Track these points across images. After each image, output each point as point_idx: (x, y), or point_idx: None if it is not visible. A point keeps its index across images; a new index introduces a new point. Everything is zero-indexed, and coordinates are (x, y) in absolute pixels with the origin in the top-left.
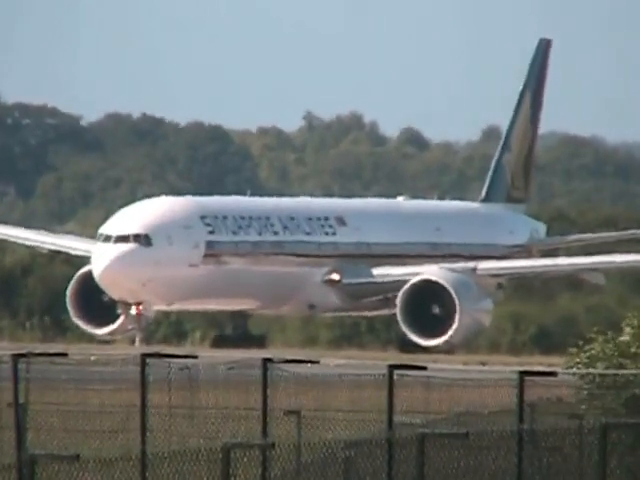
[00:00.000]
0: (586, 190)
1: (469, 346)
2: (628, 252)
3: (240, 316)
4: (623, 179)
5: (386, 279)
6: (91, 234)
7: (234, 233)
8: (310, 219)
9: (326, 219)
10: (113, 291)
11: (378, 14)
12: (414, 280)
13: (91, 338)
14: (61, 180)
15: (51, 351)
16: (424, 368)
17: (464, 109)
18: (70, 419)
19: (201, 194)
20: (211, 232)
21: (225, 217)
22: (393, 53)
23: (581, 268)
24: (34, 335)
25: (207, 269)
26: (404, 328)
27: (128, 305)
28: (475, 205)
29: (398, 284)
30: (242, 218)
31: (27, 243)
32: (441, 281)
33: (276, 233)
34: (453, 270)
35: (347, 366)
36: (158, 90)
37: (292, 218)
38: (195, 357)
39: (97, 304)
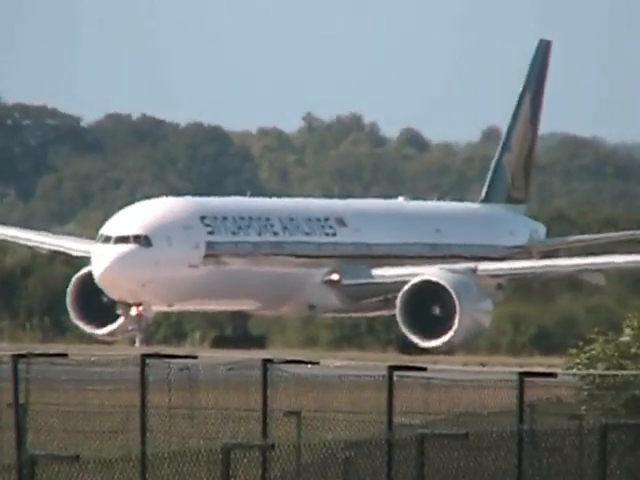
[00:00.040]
0: (586, 191)
1: (469, 347)
2: (628, 253)
3: (240, 317)
4: (623, 180)
5: (386, 280)
6: (91, 235)
7: (234, 234)
8: (310, 220)
9: (326, 220)
10: (113, 292)
11: (378, 15)
12: (414, 281)
13: (91, 339)
14: (61, 181)
15: (51, 352)
16: (424, 369)
17: (464, 110)
18: (70, 419)
19: (201, 195)
20: (211, 233)
21: (225, 218)
22: (393, 54)
23: (581, 269)
24: (34, 336)
25: (207, 270)
26: (404, 329)
27: (128, 306)
28: (475, 206)
29: (398, 285)
30: (242, 219)
31: (27, 244)
32: (441, 282)
33: (276, 234)
34: (453, 271)
35: (347, 367)
36: (158, 91)
37: (292, 219)
38: (195, 358)
39: (97, 305)
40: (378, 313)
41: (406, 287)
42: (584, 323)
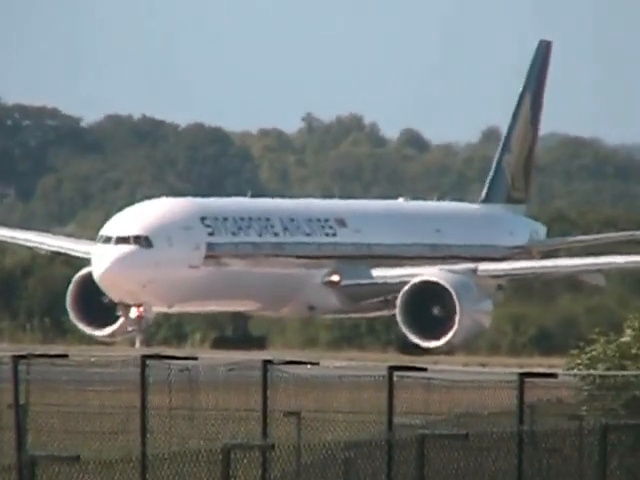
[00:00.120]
0: (586, 191)
1: (469, 347)
2: (628, 253)
3: (240, 317)
4: (623, 180)
5: (386, 280)
6: (91, 235)
7: (234, 234)
8: (310, 220)
9: (326, 220)
10: (113, 292)
11: (378, 15)
12: (414, 281)
13: (91, 340)
14: (61, 181)
15: (51, 352)
16: (424, 369)
17: (464, 110)
18: (70, 420)
19: (201, 196)
20: (211, 233)
21: (225, 218)
22: (393, 54)
23: (581, 269)
24: (34, 336)
25: (207, 271)
26: (404, 329)
27: (128, 307)
28: (475, 206)
29: (398, 285)
30: (242, 219)
31: (27, 244)
32: (441, 282)
33: (276, 234)
34: (453, 271)
35: (347, 367)
36: (158, 91)
37: (292, 219)
38: (195, 358)
39: (97, 306)
40: (378, 314)
41: (406, 287)
42: (584, 323)
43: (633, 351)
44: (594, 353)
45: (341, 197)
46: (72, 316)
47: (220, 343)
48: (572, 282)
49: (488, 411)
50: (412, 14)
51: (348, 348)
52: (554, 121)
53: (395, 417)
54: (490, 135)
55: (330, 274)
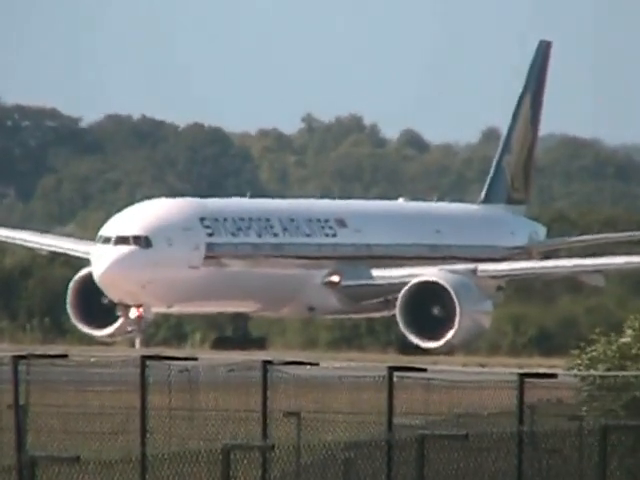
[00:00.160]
0: (586, 192)
1: (469, 348)
2: (628, 254)
3: (240, 318)
4: (623, 181)
5: (386, 281)
6: (91, 236)
7: (234, 235)
8: (310, 221)
9: (326, 221)
10: (113, 293)
11: (378, 16)
12: (414, 281)
13: (91, 340)
14: (61, 182)
15: (51, 353)
16: (424, 370)
17: (464, 111)
18: (70, 421)
19: (201, 196)
20: (211, 234)
21: (225, 219)
22: (393, 55)
23: (581, 270)
24: (34, 337)
25: (207, 271)
26: (404, 330)
27: (128, 307)
28: (475, 207)
29: (398, 286)
30: (242, 220)
31: (27, 245)
32: (441, 282)
33: (276, 235)
34: (453, 272)
35: (347, 368)
36: (158, 92)
37: (292, 220)
38: (195, 359)
39: (97, 306)
40: (378, 314)
41: (406, 288)
42: (584, 324)
43: (633, 351)
44: (594, 354)
45: (341, 197)
46: (72, 316)
47: (220, 343)
48: (572, 283)
49: (488, 411)
50: (412, 14)
51: (348, 349)
52: (554, 121)
53: (395, 417)
54: (490, 135)
55: (330, 275)
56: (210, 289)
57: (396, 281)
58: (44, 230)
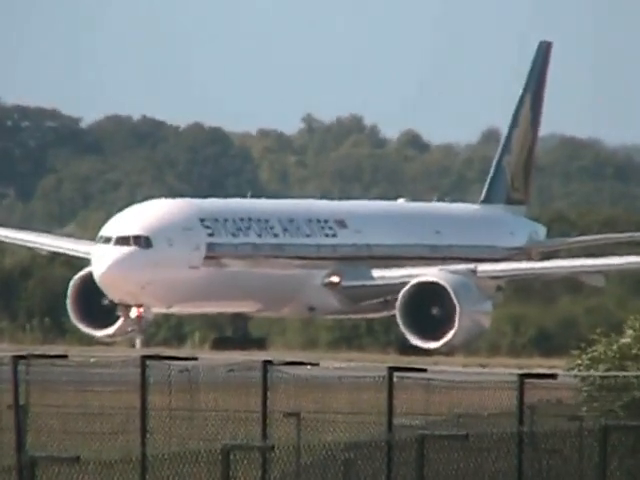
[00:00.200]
0: (585, 192)
1: (469, 348)
2: (628, 254)
3: (240, 318)
4: (622, 181)
5: (386, 281)
6: (91, 236)
7: (234, 235)
8: (310, 221)
9: (326, 221)
10: (113, 293)
11: (378, 16)
12: (414, 282)
13: (91, 340)
14: (61, 182)
15: (51, 353)
16: (424, 370)
17: (464, 111)
18: (70, 421)
19: (201, 196)
20: (211, 234)
21: (225, 219)
22: (393, 55)
23: (581, 270)
24: (34, 337)
25: (207, 271)
26: (404, 330)
27: (128, 307)
28: (475, 207)
29: (398, 286)
30: (242, 220)
31: (27, 245)
32: (441, 282)
33: (276, 235)
34: (453, 272)
35: (347, 368)
36: (158, 92)
37: (292, 220)
38: (195, 359)
39: (97, 306)
40: (378, 314)
41: (406, 288)
42: (584, 324)
43: (633, 352)
44: (595, 354)
45: (341, 198)
46: (72, 316)
47: (220, 344)
48: (572, 283)
49: (488, 412)
50: (412, 14)
51: (348, 349)
52: (554, 122)
53: (395, 418)
54: (490, 136)
55: (330, 275)
56: (210, 289)
57: (396, 281)
58: (44, 230)
